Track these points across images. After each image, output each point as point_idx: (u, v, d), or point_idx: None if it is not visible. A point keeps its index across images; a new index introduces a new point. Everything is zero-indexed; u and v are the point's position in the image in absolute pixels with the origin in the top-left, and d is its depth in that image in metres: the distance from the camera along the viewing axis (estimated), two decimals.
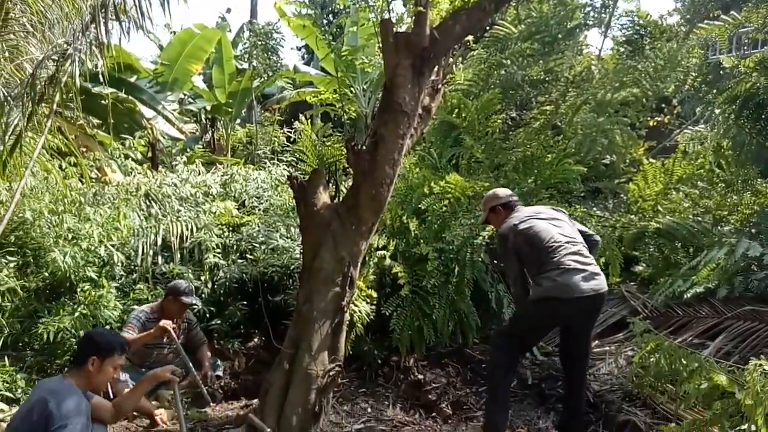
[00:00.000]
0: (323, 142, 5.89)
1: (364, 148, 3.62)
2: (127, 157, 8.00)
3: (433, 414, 3.92)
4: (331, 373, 3.48)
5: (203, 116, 13.80)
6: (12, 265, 4.55)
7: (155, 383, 3.49)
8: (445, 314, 4.40)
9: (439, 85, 4.11)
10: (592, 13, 7.52)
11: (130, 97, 8.58)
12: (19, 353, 4.26)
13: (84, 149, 7.11)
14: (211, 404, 4.06)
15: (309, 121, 6.25)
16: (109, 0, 3.91)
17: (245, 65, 12.75)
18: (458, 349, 4.77)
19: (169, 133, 9.52)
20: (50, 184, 5.37)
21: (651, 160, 7.38)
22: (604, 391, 4.02)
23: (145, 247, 5.13)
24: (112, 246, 4.89)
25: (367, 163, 3.56)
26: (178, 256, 5.23)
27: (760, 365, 2.59)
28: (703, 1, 8.34)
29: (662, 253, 5.82)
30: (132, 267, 5.06)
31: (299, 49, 20.06)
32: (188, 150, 10.91)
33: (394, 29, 3.71)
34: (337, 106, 9.20)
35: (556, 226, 3.36)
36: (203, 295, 4.84)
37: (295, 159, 7.31)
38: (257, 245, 5.41)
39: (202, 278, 5.00)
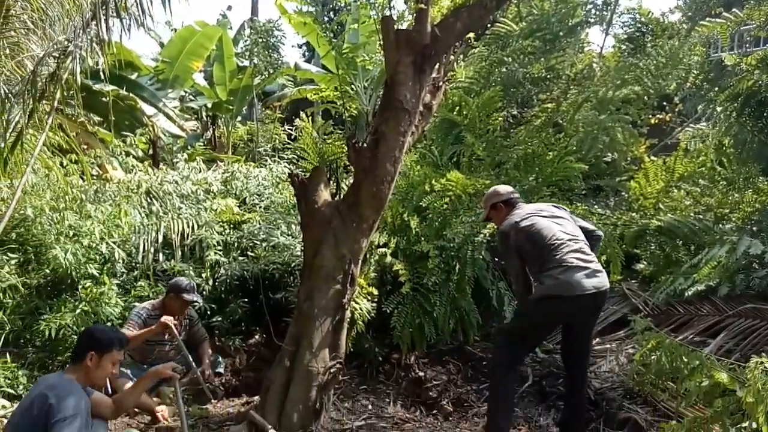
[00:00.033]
0: (324, 139, 5.89)
1: (365, 145, 3.63)
2: (128, 154, 8.02)
3: (434, 411, 3.92)
4: (332, 371, 3.49)
5: (204, 114, 13.81)
6: (13, 262, 4.56)
7: (156, 380, 3.50)
8: (445, 312, 4.40)
9: (440, 83, 4.11)
10: (593, 11, 7.50)
11: (131, 95, 8.57)
12: (21, 350, 4.27)
13: (85, 146, 7.11)
14: (212, 401, 4.07)
15: (310, 118, 6.25)
16: None
17: (246, 63, 12.76)
18: (459, 347, 4.77)
19: (170, 130, 9.51)
20: (51, 182, 5.38)
21: (652, 157, 7.37)
22: (605, 388, 4.02)
23: (146, 244, 5.14)
24: (114, 243, 4.90)
25: (368, 160, 3.56)
26: (179, 253, 5.23)
27: (761, 363, 2.59)
28: None
29: (663, 251, 5.82)
30: (133, 264, 5.06)
31: (300, 46, 20.08)
32: (189, 147, 10.93)
33: (395, 26, 3.70)
34: (338, 104, 9.21)
35: (558, 223, 3.35)
36: (204, 293, 4.85)
37: (296, 156, 7.32)
38: (258, 242, 5.41)
39: (203, 275, 5.01)
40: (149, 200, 5.98)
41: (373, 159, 3.55)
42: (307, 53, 18.94)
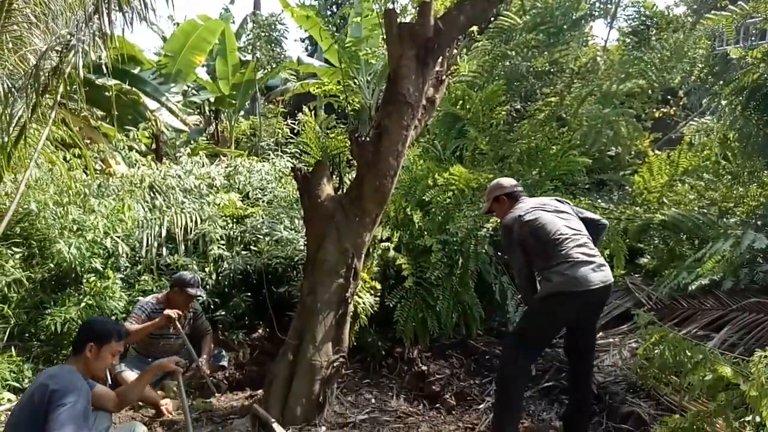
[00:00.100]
0: (327, 133, 5.88)
1: (367, 139, 3.62)
2: (131, 148, 8.01)
3: (437, 405, 3.93)
4: (335, 364, 3.50)
5: (207, 108, 13.79)
6: (18, 256, 4.58)
7: (160, 373, 3.52)
8: (448, 306, 4.41)
9: (444, 76, 4.09)
10: (597, 4, 7.43)
11: (134, 89, 8.57)
12: (26, 344, 4.30)
13: (88, 141, 7.12)
14: (216, 395, 4.09)
15: (313, 112, 6.24)
16: None
17: (249, 57, 12.74)
18: (462, 341, 4.77)
19: (173, 124, 9.51)
20: (55, 176, 5.39)
21: (656, 151, 7.34)
22: (608, 382, 4.02)
23: (149, 238, 5.16)
24: (117, 237, 4.91)
25: (370, 154, 3.56)
26: (183, 247, 5.25)
27: (765, 357, 2.58)
28: None
29: (667, 245, 5.80)
30: (137, 258, 5.08)
31: (303, 40, 20.05)
32: (192, 142, 10.93)
33: (398, 20, 3.68)
34: (341, 98, 9.19)
35: (562, 218, 3.32)
36: (208, 287, 4.87)
37: (298, 151, 7.30)
38: (261, 237, 5.42)
39: (207, 270, 5.03)
40: (152, 195, 5.99)
41: (375, 153, 3.54)
42: (309, 47, 18.91)
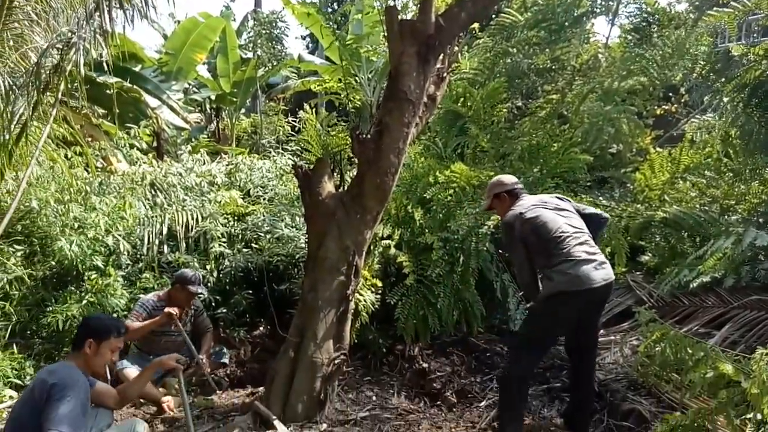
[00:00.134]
0: (328, 131, 5.88)
1: (368, 136, 3.61)
2: (132, 146, 8.01)
3: (438, 402, 3.93)
4: (336, 362, 3.50)
5: (208, 106, 13.79)
6: (19, 253, 4.59)
7: (161, 370, 3.52)
8: (449, 303, 4.40)
9: (445, 74, 4.08)
10: (599, 1, 7.42)
11: (135, 87, 8.57)
12: (27, 341, 4.31)
13: (89, 139, 7.12)
14: (217, 392, 4.10)
15: (314, 110, 6.24)
16: None
17: (250, 54, 12.73)
18: (463, 338, 4.77)
19: (174, 122, 9.51)
20: (56, 174, 5.39)
21: (658, 149, 7.32)
22: (609, 380, 4.02)
23: (150, 236, 5.17)
24: (118, 235, 4.92)
25: (371, 151, 3.55)
26: (184, 245, 5.26)
27: (766, 354, 2.58)
28: None
29: (668, 243, 5.79)
30: (138, 256, 5.09)
31: (304, 38, 20.01)
32: (193, 139, 10.94)
33: (399, 17, 3.67)
34: (342, 95, 9.18)
35: (563, 216, 3.31)
36: (209, 284, 4.87)
37: (299, 148, 7.30)
38: (262, 234, 5.42)
39: (208, 267, 5.03)
40: (154, 192, 6.00)
41: (377, 150, 3.54)
42: (310, 45, 18.88)
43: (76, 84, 4.41)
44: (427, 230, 4.69)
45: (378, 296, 4.27)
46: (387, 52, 4.43)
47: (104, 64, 4.20)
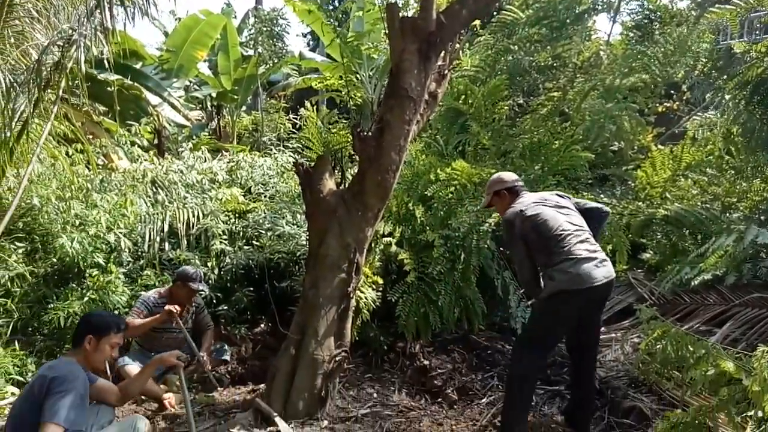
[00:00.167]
0: (329, 128, 5.88)
1: (369, 134, 3.61)
2: (133, 143, 8.00)
3: (439, 399, 3.93)
4: (337, 359, 3.51)
5: (209, 103, 13.78)
6: (21, 250, 4.60)
7: (162, 367, 3.53)
8: (450, 301, 4.41)
9: (446, 71, 4.08)
10: None
11: (136, 84, 8.56)
12: (29, 338, 4.32)
13: (90, 136, 7.12)
14: (218, 389, 4.10)
15: (315, 107, 6.25)
16: None
17: (251, 52, 12.70)
18: (464, 336, 4.77)
19: (175, 120, 9.50)
20: (57, 171, 5.39)
21: (659, 146, 7.32)
22: (610, 377, 4.02)
23: (152, 233, 5.17)
24: (120, 232, 4.92)
25: (372, 149, 3.55)
26: (185, 242, 5.26)
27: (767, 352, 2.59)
28: None
29: (670, 240, 5.79)
30: (139, 253, 5.09)
31: (305, 35, 20.01)
32: (194, 137, 10.91)
33: (401, 14, 3.67)
34: (343, 93, 9.18)
35: (564, 213, 3.31)
36: (210, 281, 4.87)
37: (300, 146, 7.31)
38: (263, 232, 5.42)
39: (209, 264, 5.03)
40: (155, 190, 6.00)
41: (377, 148, 3.53)
42: (311, 42, 18.87)
43: (77, 81, 4.42)
44: (428, 228, 4.68)
45: (379, 293, 4.27)
46: (388, 50, 4.42)
47: (105, 62, 4.21)
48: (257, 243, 5.35)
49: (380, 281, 4.32)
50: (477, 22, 7.52)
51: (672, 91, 9.13)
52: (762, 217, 5.40)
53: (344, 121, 6.65)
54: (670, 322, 4.22)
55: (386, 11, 3.74)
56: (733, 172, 6.47)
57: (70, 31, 4.04)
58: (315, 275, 3.58)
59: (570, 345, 3.54)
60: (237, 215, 5.72)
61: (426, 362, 4.26)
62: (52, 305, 4.29)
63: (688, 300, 4.84)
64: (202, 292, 4.47)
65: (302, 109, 6.71)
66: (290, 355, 3.52)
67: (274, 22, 12.84)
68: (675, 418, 2.78)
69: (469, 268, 4.51)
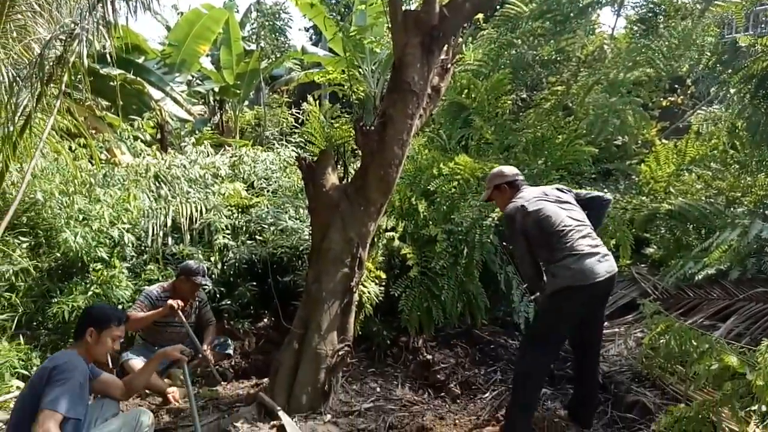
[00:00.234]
0: (332, 123, 5.86)
1: (372, 128, 3.60)
2: (136, 138, 8.01)
3: (442, 394, 3.94)
4: (340, 353, 3.51)
5: (211, 98, 13.78)
6: (25, 245, 4.61)
7: (165, 361, 3.54)
8: (453, 295, 4.40)
9: (449, 65, 4.05)
10: None
11: (139, 79, 8.57)
12: (34, 332, 4.34)
13: (93, 131, 7.12)
14: (222, 383, 4.11)
15: (317, 102, 6.22)
16: None
17: (253, 46, 12.69)
18: (467, 330, 4.78)
19: (178, 114, 9.51)
20: (60, 166, 5.40)
21: (663, 140, 7.29)
22: (613, 372, 4.02)
23: (155, 228, 5.18)
24: (123, 227, 4.93)
25: (375, 143, 3.54)
26: (188, 237, 5.27)
27: None
28: None
29: (674, 235, 5.78)
30: (142, 248, 5.10)
31: (307, 29, 19.96)
32: (197, 132, 10.92)
33: (403, 7, 3.65)
34: (346, 87, 9.17)
35: (565, 209, 3.29)
36: (213, 276, 4.88)
37: (303, 140, 7.30)
38: (266, 226, 5.43)
39: (212, 259, 5.04)
40: (158, 184, 6.00)
41: (380, 142, 3.52)
42: (314, 36, 18.82)
43: (79, 76, 4.41)
44: (431, 222, 4.68)
45: (382, 288, 4.27)
46: (391, 43, 4.41)
47: (107, 56, 4.21)
48: (260, 238, 5.35)
49: (383, 276, 4.32)
50: (480, 15, 7.49)
51: (676, 85, 9.08)
52: (766, 212, 5.38)
53: (347, 116, 6.62)
54: (674, 316, 4.21)
55: (389, 5, 3.72)
56: (737, 166, 6.44)
57: (73, 26, 4.03)
58: (318, 270, 3.58)
59: (573, 340, 3.52)
60: (240, 210, 5.72)
61: (429, 357, 4.26)
62: (56, 299, 4.30)
63: (692, 295, 4.83)
64: (206, 287, 4.48)
65: (305, 103, 6.68)
66: (293, 350, 3.52)
67: (277, 16, 12.83)
68: (678, 412, 2.78)
69: (472, 262, 4.50)
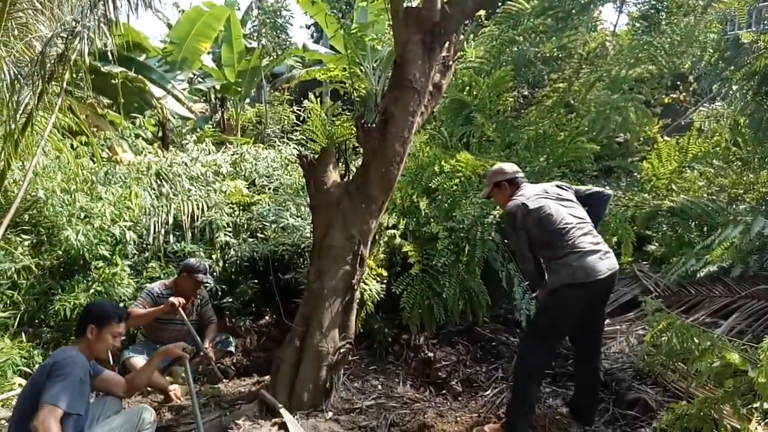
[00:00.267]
0: (333, 120, 5.86)
1: (373, 126, 3.59)
2: (137, 136, 8.01)
3: (443, 391, 3.94)
4: (341, 351, 3.51)
5: (213, 95, 13.77)
6: (26, 243, 4.62)
7: (167, 359, 3.55)
8: (455, 293, 4.40)
9: (450, 62, 4.04)
10: None
11: (140, 77, 8.56)
12: (36, 330, 4.35)
13: (94, 128, 7.13)
14: (223, 381, 4.12)
15: (318, 99, 6.21)
16: None
17: (254, 44, 12.69)
18: (468, 328, 4.78)
19: (179, 112, 9.50)
20: (62, 163, 5.41)
21: (666, 138, 7.28)
22: (614, 369, 4.02)
23: (156, 225, 5.18)
24: (124, 225, 4.94)
25: (376, 141, 3.53)
26: (190, 234, 5.27)
27: None
28: None
29: (675, 232, 5.77)
30: (144, 245, 5.11)
31: (308, 27, 19.94)
32: (198, 129, 10.93)
33: (405, 4, 3.64)
34: (347, 84, 9.16)
35: (565, 206, 3.29)
36: (215, 274, 4.89)
37: (304, 138, 7.29)
38: (268, 224, 5.43)
39: (214, 257, 5.05)
40: (159, 182, 6.01)
41: (382, 139, 3.52)
42: (315, 34, 18.80)
43: (80, 73, 4.41)
44: (432, 220, 4.67)
45: (383, 286, 4.27)
46: (392, 41, 4.40)
47: (109, 54, 4.20)
48: (262, 235, 5.36)
49: (385, 273, 4.32)
50: (482, 12, 7.47)
51: (678, 82, 9.07)
52: None
53: (348, 113, 6.63)
54: (676, 314, 4.22)
55: (390, 2, 3.71)
56: (739, 163, 6.43)
57: (74, 23, 4.03)
58: (319, 267, 3.58)
59: (574, 337, 3.52)
60: (241, 207, 5.73)
61: (430, 354, 4.27)
62: (58, 297, 4.31)
63: (694, 292, 4.82)
64: (207, 284, 4.48)
65: (306, 101, 6.68)
66: (295, 347, 3.52)
67: (278, 13, 12.82)
68: (680, 409, 2.78)
69: (474, 260, 4.50)
